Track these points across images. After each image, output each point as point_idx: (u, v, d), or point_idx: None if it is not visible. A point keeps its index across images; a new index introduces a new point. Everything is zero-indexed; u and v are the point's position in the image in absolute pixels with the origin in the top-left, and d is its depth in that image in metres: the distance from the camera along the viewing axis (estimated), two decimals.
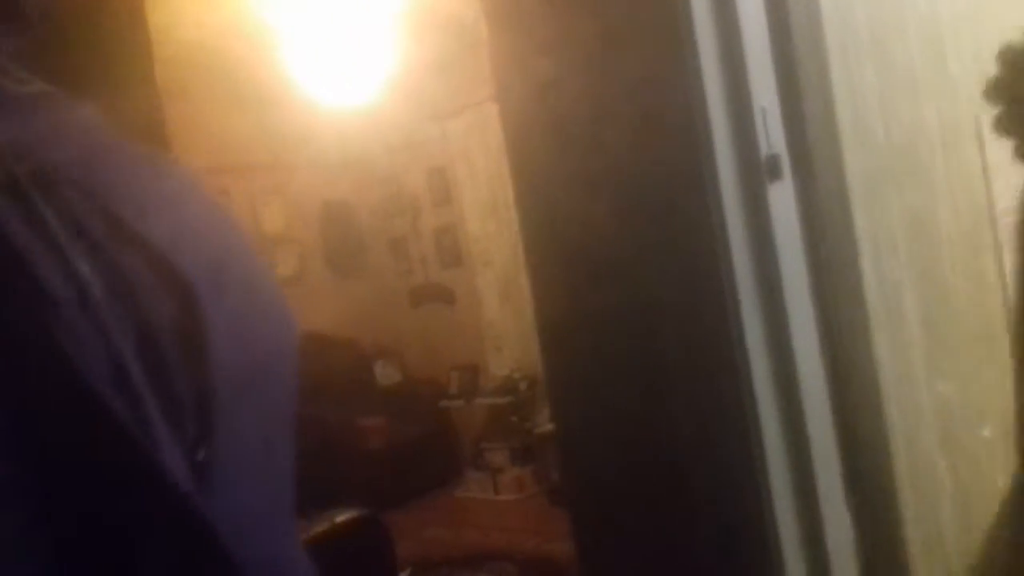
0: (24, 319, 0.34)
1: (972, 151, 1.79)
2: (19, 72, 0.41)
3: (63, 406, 0.34)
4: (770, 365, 1.23)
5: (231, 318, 0.43)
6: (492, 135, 5.13)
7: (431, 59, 4.53)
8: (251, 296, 0.46)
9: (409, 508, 4.43)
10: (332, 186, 5.53)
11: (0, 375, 0.32)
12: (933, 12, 1.92)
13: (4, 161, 0.37)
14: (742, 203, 1.21)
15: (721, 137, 1.21)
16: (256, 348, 0.45)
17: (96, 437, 0.34)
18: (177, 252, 0.42)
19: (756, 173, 1.22)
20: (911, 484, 1.46)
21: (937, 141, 1.84)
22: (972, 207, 1.76)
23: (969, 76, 1.95)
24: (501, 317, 5.18)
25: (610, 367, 1.48)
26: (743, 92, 1.22)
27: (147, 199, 0.44)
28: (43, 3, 0.44)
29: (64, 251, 0.37)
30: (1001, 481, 1.53)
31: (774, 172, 1.23)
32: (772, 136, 1.24)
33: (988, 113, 1.34)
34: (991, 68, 1.12)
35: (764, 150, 1.22)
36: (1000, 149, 1.43)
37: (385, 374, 5.58)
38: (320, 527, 2.77)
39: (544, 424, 4.70)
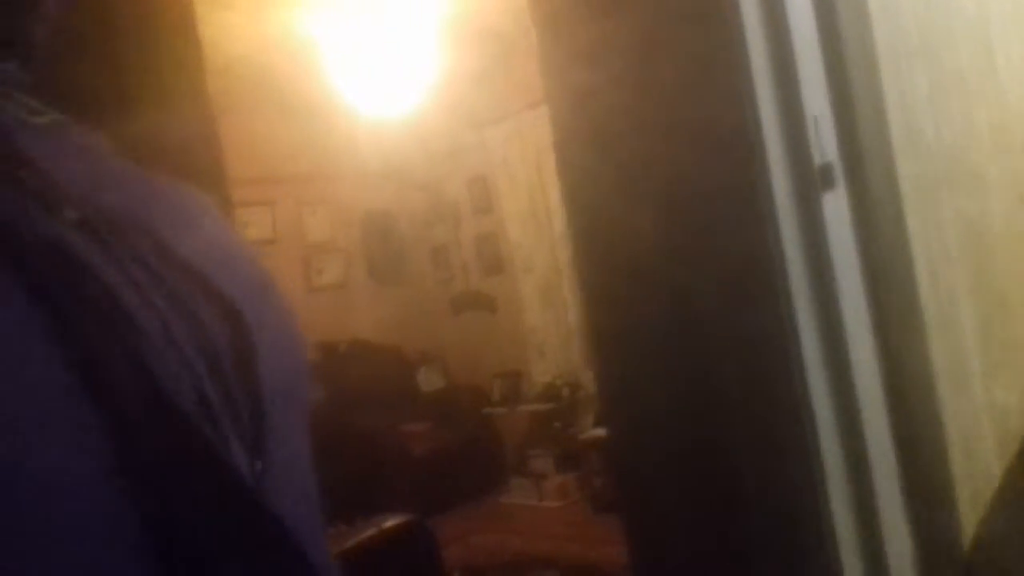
0: (123, 352, 0.35)
1: None
2: (32, 103, 0.42)
3: (161, 433, 0.35)
4: (826, 373, 1.23)
5: (271, 339, 0.45)
6: (531, 143, 5.15)
7: (471, 69, 4.57)
8: (280, 316, 0.48)
9: (454, 514, 4.46)
10: (374, 195, 5.60)
11: (103, 403, 0.34)
12: (982, 15, 1.90)
13: (72, 200, 0.39)
14: (796, 213, 1.21)
15: (774, 146, 1.22)
16: (288, 367, 0.47)
17: (190, 461, 0.36)
18: (218, 277, 0.44)
19: (810, 182, 1.22)
20: (969, 491, 1.44)
21: (989, 145, 1.82)
22: None
23: (1019, 78, 1.93)
24: (543, 323, 5.19)
25: (661, 374, 1.49)
26: (795, 101, 1.22)
27: (179, 225, 0.46)
28: (48, 30, 0.43)
29: (141, 285, 0.39)
30: None
31: (827, 181, 1.23)
32: (825, 144, 1.24)
33: None
34: None
35: (817, 159, 1.22)
36: None
37: (428, 381, 5.62)
38: (367, 533, 2.81)
39: (587, 430, 4.70)
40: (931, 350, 1.36)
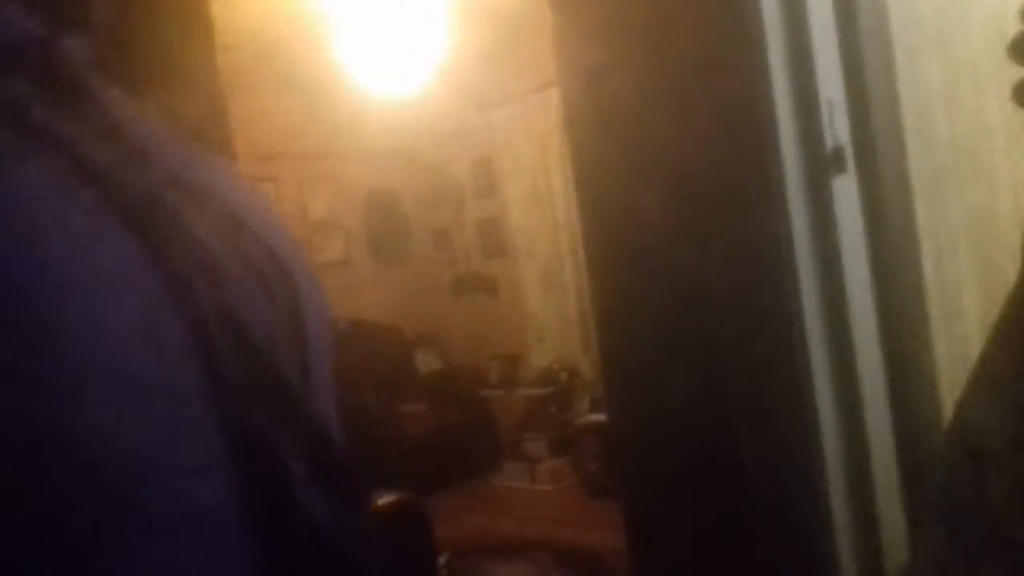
0: (211, 292, 0.39)
1: None
2: (98, 79, 0.43)
3: (241, 363, 0.39)
4: (830, 360, 1.23)
5: (314, 302, 0.48)
6: (536, 127, 5.14)
7: (478, 50, 4.55)
8: (314, 279, 0.51)
9: (448, 494, 4.47)
10: (378, 175, 5.58)
11: (195, 329, 0.37)
12: (999, 7, 1.89)
13: (159, 169, 0.42)
14: (806, 195, 1.21)
15: (787, 128, 1.21)
16: (324, 327, 0.50)
17: (263, 389, 0.40)
18: (271, 239, 0.47)
19: (821, 165, 1.21)
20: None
21: (1000, 138, 1.81)
22: None
23: None
24: (543, 308, 5.20)
25: (666, 359, 1.49)
26: (810, 83, 1.22)
27: (228, 188, 0.48)
28: (110, 8, 0.46)
29: (221, 238, 0.43)
30: None
31: (839, 164, 1.23)
32: (837, 128, 1.24)
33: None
34: (1014, 25, 1.07)
35: (829, 142, 1.22)
36: None
37: (426, 362, 5.63)
38: None
39: (583, 416, 4.71)
40: (935, 339, 1.36)
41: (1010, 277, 1.75)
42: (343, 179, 5.35)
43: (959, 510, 0.80)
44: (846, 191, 1.26)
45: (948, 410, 1.41)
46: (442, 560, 3.58)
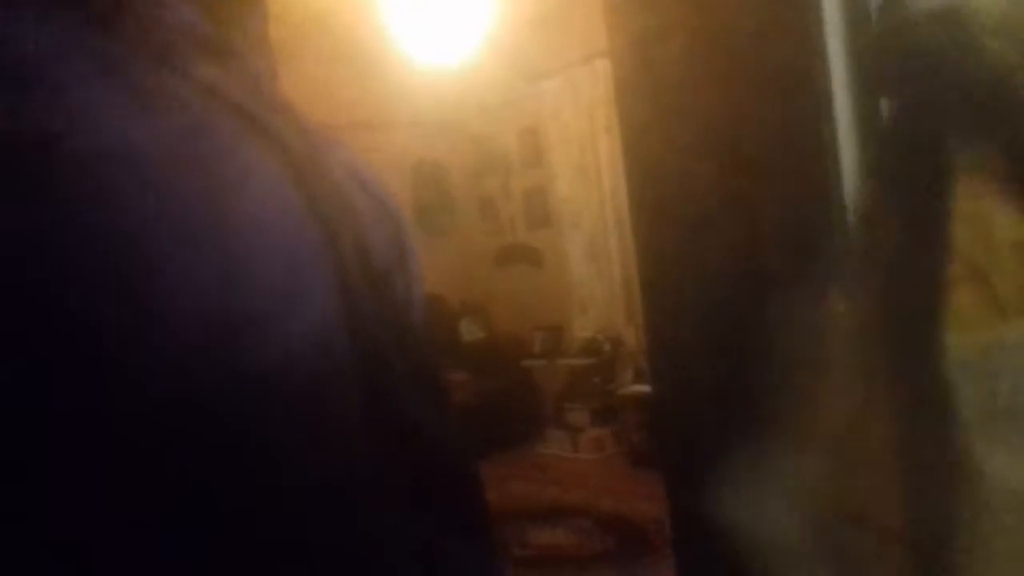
0: (351, 233, 0.45)
1: None
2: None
3: (371, 297, 0.45)
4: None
5: (411, 243, 0.55)
6: (584, 98, 5.11)
7: (526, 19, 4.53)
8: (409, 229, 0.57)
9: (491, 461, 4.54)
10: (426, 145, 5.61)
11: (338, 269, 0.43)
12: None
13: (293, 119, 0.47)
14: (860, 164, 1.20)
15: (841, 96, 1.20)
16: (418, 266, 0.57)
17: (387, 320, 0.46)
18: (377, 188, 0.53)
19: (878, 134, 1.20)
20: None
21: None
22: None
23: None
24: (587, 279, 5.20)
25: (713, 331, 1.49)
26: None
27: (337, 146, 0.53)
28: None
29: (370, 188, 0.51)
30: None
31: None
32: None
33: None
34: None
35: (885, 111, 1.21)
36: None
37: (470, 331, 5.68)
38: None
39: (627, 386, 4.73)
40: None
41: None
42: (391, 149, 5.39)
43: None
44: None
45: None
46: None
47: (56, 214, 0.33)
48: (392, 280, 0.49)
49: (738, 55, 1.35)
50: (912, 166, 0.90)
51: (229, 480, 0.35)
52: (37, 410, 0.33)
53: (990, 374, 0.83)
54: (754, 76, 1.31)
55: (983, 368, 0.83)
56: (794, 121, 1.24)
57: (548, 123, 5.32)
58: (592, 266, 5.17)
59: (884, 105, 1.19)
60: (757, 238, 1.35)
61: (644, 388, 4.25)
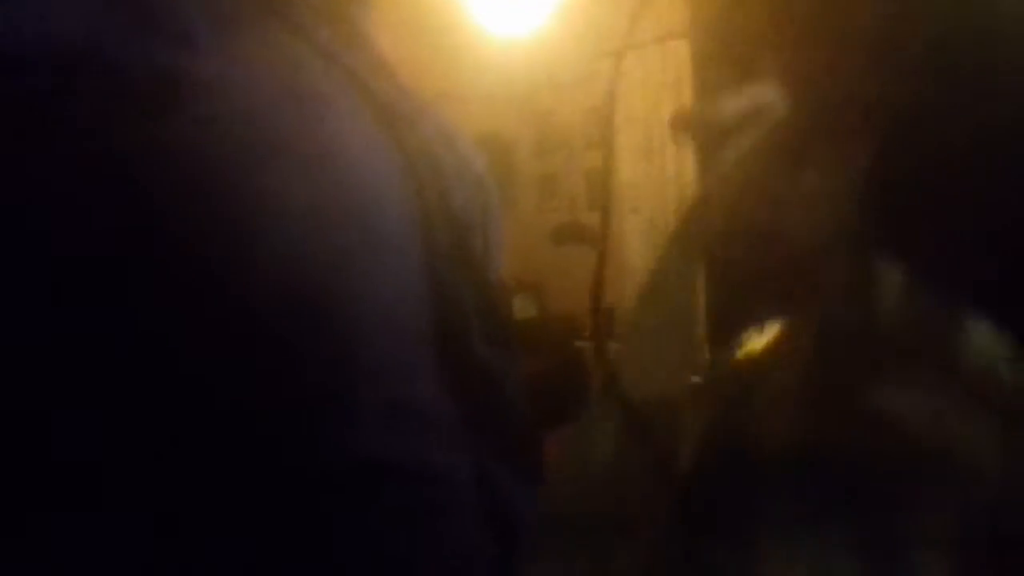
0: (438, 194, 0.50)
1: None
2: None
3: (451, 249, 0.51)
4: None
5: (495, 206, 0.60)
6: (654, 79, 5.02)
7: None
8: (495, 193, 0.62)
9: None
10: (490, 118, 5.60)
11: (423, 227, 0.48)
12: None
13: (393, 80, 0.52)
14: None
15: None
16: (499, 229, 0.60)
17: (471, 279, 0.53)
18: (467, 152, 0.57)
19: None
20: None
21: None
22: None
23: None
24: (644, 265, 5.15)
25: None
26: None
27: (433, 112, 0.59)
28: None
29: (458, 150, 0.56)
30: None
31: None
32: None
33: None
34: None
35: None
36: None
37: (522, 307, 5.69)
38: None
39: None
40: None
41: None
42: (456, 121, 5.39)
43: None
44: None
45: None
46: None
47: (175, 139, 0.37)
48: (471, 236, 0.53)
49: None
50: None
51: (307, 392, 0.40)
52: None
53: None
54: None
55: None
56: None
57: (615, 103, 5.26)
58: (649, 252, 5.12)
59: None
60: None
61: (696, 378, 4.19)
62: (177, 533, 0.35)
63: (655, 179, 5.05)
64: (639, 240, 5.33)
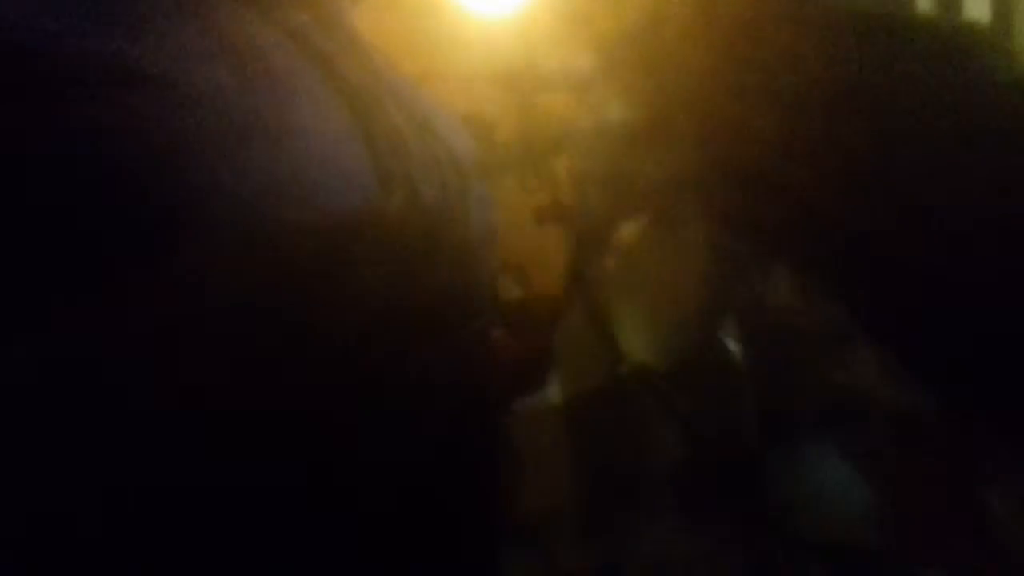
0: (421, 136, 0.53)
1: None
2: None
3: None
4: None
5: (482, 198, 0.65)
6: None
7: None
8: (483, 181, 0.63)
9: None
10: (473, 99, 5.59)
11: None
12: None
13: (369, 64, 0.54)
14: None
15: None
16: (489, 221, 0.67)
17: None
18: (451, 139, 0.57)
19: None
20: None
21: None
22: None
23: None
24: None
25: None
26: (953, 3, 1.17)
27: (417, 97, 0.60)
28: None
29: (433, 131, 0.57)
30: None
31: None
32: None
33: None
34: None
35: None
36: None
37: (506, 287, 5.71)
38: None
39: None
40: None
41: None
42: (439, 101, 5.39)
43: None
44: None
45: None
46: None
47: (126, 129, 0.36)
48: (443, 222, 0.51)
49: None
50: None
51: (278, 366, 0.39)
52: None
53: None
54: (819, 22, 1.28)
55: None
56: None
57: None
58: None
59: None
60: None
61: None
62: None
63: None
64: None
